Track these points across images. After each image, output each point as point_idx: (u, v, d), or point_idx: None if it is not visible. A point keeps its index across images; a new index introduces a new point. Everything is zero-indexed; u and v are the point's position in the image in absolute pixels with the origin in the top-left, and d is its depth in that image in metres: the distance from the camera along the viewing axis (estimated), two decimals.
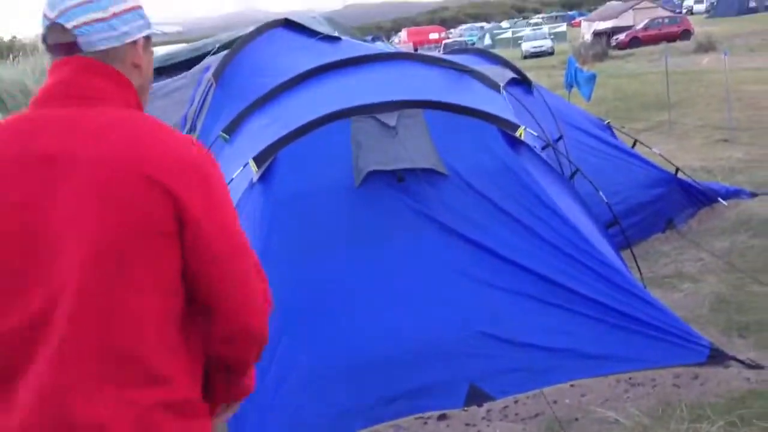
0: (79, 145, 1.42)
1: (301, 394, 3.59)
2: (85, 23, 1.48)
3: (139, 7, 1.58)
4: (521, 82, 6.47)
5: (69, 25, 1.48)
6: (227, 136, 5.06)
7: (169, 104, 6.13)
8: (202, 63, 6.46)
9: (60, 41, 1.50)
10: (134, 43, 1.57)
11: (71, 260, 1.37)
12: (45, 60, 14.35)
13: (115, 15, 1.51)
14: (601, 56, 28.44)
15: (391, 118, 4.31)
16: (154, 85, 6.57)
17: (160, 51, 7.57)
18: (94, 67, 1.50)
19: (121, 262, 1.39)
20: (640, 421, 3.44)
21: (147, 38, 1.62)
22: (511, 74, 6.37)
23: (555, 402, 3.70)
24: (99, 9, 1.49)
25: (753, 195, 6.64)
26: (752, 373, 3.70)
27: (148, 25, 1.61)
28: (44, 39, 1.54)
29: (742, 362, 3.77)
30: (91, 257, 1.38)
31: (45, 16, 1.52)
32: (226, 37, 7.42)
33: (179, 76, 6.59)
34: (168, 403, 1.44)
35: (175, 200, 1.41)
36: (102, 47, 1.51)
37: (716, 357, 3.79)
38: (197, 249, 1.45)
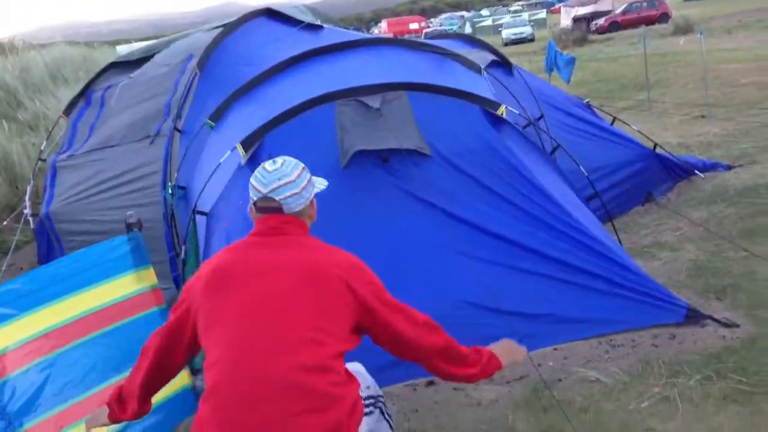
0: (284, 256, 2.29)
1: None
2: (288, 197, 2.33)
3: (311, 179, 2.44)
4: (502, 64, 6.60)
5: (278, 198, 2.32)
6: (213, 123, 5.16)
7: (150, 91, 6.22)
8: (184, 52, 6.54)
9: (270, 206, 2.34)
10: (311, 202, 2.43)
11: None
12: (24, 58, 14.30)
13: (303, 188, 2.37)
14: (581, 41, 28.61)
15: (375, 101, 4.43)
16: (136, 72, 6.67)
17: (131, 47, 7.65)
18: (290, 220, 2.36)
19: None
20: (620, 379, 3.59)
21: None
22: (491, 57, 6.50)
23: (539, 365, 3.84)
24: (296, 187, 2.34)
25: (729, 167, 6.81)
26: (727, 331, 3.86)
27: (313, 187, 2.46)
28: (255, 203, 2.37)
29: (718, 321, 3.92)
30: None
31: (256, 189, 2.35)
32: (207, 28, 7.51)
33: (160, 63, 6.68)
34: None
35: (348, 285, 2.27)
36: (296, 209, 2.36)
37: (693, 317, 3.94)
38: (373, 312, 2.34)
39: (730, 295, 4.29)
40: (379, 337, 2.41)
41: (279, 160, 2.38)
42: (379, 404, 2.62)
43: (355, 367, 2.59)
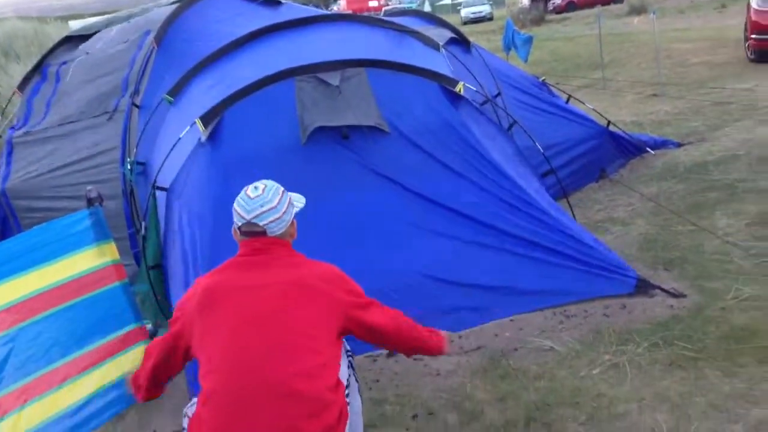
0: (272, 273, 2.44)
1: None
2: (270, 222, 2.47)
3: (290, 200, 2.58)
4: (460, 42, 6.67)
5: (261, 224, 2.46)
6: (171, 99, 5.14)
7: (108, 67, 6.15)
8: (142, 27, 6.46)
9: (254, 230, 2.48)
10: (291, 222, 2.57)
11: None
12: None
13: (284, 212, 2.51)
14: (539, 20, 28.83)
15: (334, 78, 4.46)
16: (93, 48, 6.57)
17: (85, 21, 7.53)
18: (274, 242, 2.50)
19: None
20: (573, 348, 3.73)
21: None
22: (449, 34, 6.55)
23: (496, 335, 3.97)
24: (277, 212, 2.48)
25: (679, 145, 7.01)
26: (675, 301, 4.02)
27: (293, 207, 2.60)
28: (239, 227, 2.50)
29: (666, 291, 4.08)
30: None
31: (240, 215, 2.48)
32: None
33: (118, 39, 6.59)
34: None
35: (333, 296, 2.48)
36: (279, 232, 2.50)
37: (642, 287, 4.10)
38: (356, 318, 2.53)
39: (678, 266, 4.46)
40: (362, 335, 2.60)
41: (260, 185, 2.52)
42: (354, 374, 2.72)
43: None
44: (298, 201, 2.70)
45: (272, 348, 2.29)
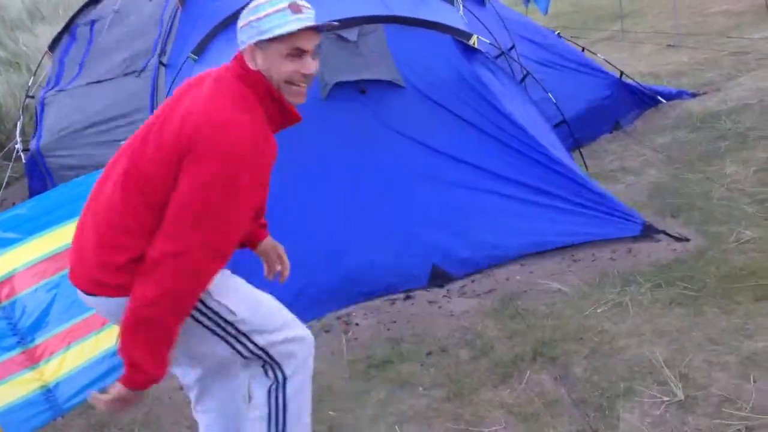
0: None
1: (276, 284, 4.02)
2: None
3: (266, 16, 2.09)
4: None
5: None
6: (196, 57, 5.33)
7: (139, 28, 6.35)
8: None
9: None
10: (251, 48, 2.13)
11: None
12: None
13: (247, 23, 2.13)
14: None
15: (352, 34, 4.63)
16: (122, 6, 6.76)
17: None
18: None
19: None
20: (580, 289, 3.94)
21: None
22: None
23: (507, 279, 4.19)
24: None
25: (694, 95, 7.08)
26: (679, 245, 4.20)
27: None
28: None
29: (670, 236, 4.26)
30: None
31: None
32: None
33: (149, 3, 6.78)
34: None
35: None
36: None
37: (648, 231, 4.28)
38: None
39: (685, 213, 4.62)
40: None
41: None
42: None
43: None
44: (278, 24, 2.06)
45: None
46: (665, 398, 2.93)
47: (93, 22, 6.77)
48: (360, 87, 4.46)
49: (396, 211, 4.29)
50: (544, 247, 4.30)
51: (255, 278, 2.67)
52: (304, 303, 4.06)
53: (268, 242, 2.87)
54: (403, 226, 4.31)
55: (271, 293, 3.98)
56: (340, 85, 4.44)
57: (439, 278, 4.22)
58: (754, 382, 2.92)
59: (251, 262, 3.01)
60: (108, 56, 6.28)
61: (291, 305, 4.00)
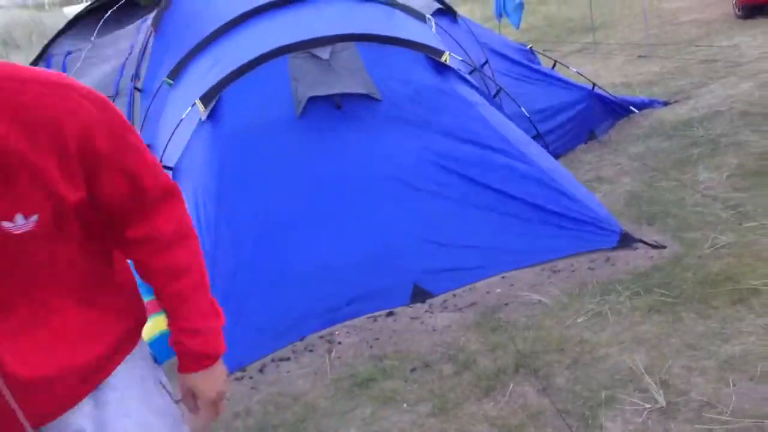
0: None
1: (260, 305, 4.03)
2: None
3: None
4: (446, 12, 6.84)
5: None
6: (171, 81, 5.34)
7: (110, 52, 6.35)
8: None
9: None
10: None
11: None
12: None
13: None
14: None
15: (324, 53, 4.65)
16: (97, 36, 6.76)
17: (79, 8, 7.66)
18: None
19: None
20: (560, 300, 3.97)
21: None
22: (436, 5, 6.73)
23: (488, 292, 4.21)
24: None
25: (665, 104, 7.20)
26: (656, 252, 4.24)
27: None
28: None
29: (647, 243, 4.31)
30: None
31: None
32: None
33: (122, 31, 6.78)
34: None
35: None
36: None
37: (625, 240, 4.32)
38: None
39: (660, 220, 4.68)
40: None
41: None
42: None
43: None
44: None
45: None
46: (647, 405, 2.96)
47: (69, 53, 6.75)
48: (336, 102, 4.47)
49: (376, 229, 4.31)
50: (525, 264, 4.33)
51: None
52: (287, 323, 4.07)
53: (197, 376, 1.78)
54: (384, 244, 4.32)
55: (259, 313, 4.01)
56: (314, 101, 4.45)
57: (419, 296, 4.24)
58: (733, 385, 2.96)
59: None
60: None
61: (274, 325, 4.04)
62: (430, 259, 4.32)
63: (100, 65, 6.28)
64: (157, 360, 2.18)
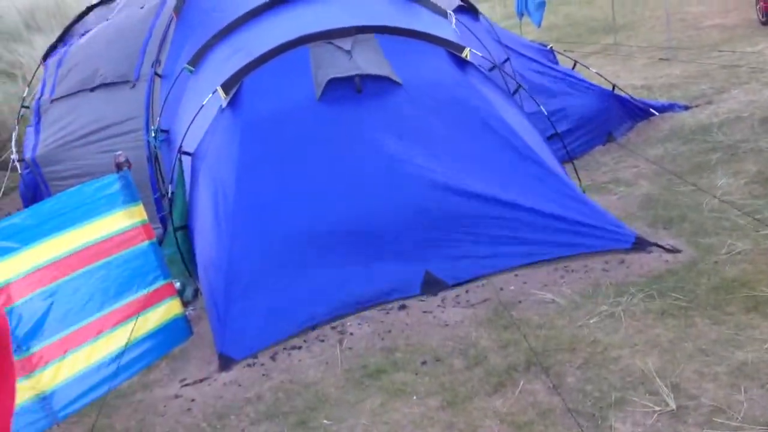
0: None
1: (275, 290, 4.05)
2: None
3: None
4: (468, 9, 6.82)
5: None
6: (192, 68, 5.37)
7: (127, 32, 6.38)
8: None
9: None
10: None
11: None
12: None
13: None
14: None
15: (346, 43, 4.67)
16: (113, 14, 6.78)
17: None
18: None
19: None
20: (573, 300, 3.96)
21: None
22: (457, 2, 6.71)
23: (501, 289, 4.22)
24: None
25: (686, 108, 7.15)
26: (670, 256, 4.23)
27: None
28: None
29: (662, 247, 4.29)
30: None
31: None
32: None
33: (137, 4, 6.80)
34: None
35: None
36: None
37: (640, 244, 4.31)
38: None
39: (677, 224, 4.66)
40: None
41: None
42: None
43: None
44: None
45: None
46: (657, 408, 2.96)
47: (85, 32, 6.81)
48: (356, 86, 4.46)
49: (390, 215, 4.31)
50: (538, 258, 4.32)
51: None
52: (300, 310, 4.09)
53: None
54: (397, 231, 4.32)
55: (267, 301, 4.03)
56: (334, 87, 4.45)
57: (431, 285, 4.24)
58: (745, 392, 2.95)
59: None
60: (94, 60, 6.27)
61: (286, 312, 4.07)
62: (443, 248, 4.32)
63: (115, 43, 6.30)
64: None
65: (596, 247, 4.31)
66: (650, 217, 4.87)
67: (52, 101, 6.24)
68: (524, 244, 4.31)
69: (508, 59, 6.31)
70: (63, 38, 7.04)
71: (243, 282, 3.99)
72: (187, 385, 3.88)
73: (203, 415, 3.57)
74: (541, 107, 5.34)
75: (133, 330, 3.93)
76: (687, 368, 3.19)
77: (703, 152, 5.90)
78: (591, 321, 3.73)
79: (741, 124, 6.31)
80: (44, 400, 3.59)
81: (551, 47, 7.32)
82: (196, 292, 4.77)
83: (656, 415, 2.93)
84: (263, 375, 3.79)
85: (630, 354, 3.38)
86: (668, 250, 4.28)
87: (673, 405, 2.94)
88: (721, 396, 2.96)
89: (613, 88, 6.76)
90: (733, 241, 4.22)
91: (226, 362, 3.90)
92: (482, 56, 5.25)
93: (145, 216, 4.10)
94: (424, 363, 3.66)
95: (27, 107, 6.90)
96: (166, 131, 5.39)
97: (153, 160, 5.43)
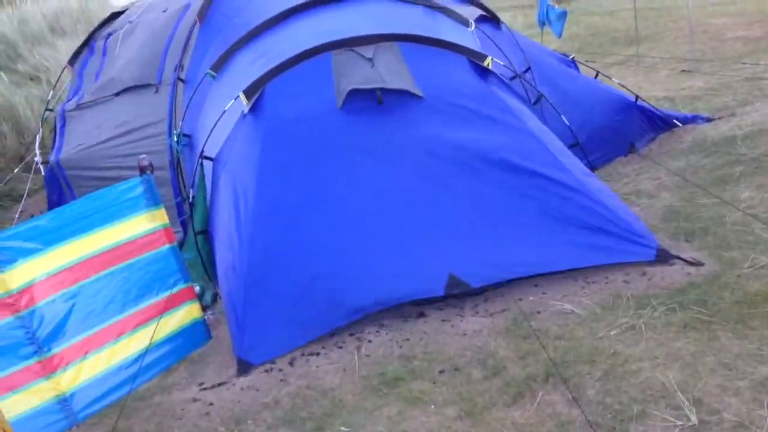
0: None
1: (294, 295, 4.06)
2: None
3: None
4: (490, 19, 6.82)
5: None
6: (215, 74, 5.41)
7: (149, 36, 6.45)
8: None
9: None
10: None
11: None
12: (22, 10, 14.30)
13: None
14: None
15: (368, 51, 4.68)
16: (135, 18, 6.86)
17: None
18: None
19: None
20: (593, 311, 3.94)
21: None
22: (479, 12, 6.72)
23: (520, 299, 4.19)
24: None
25: (709, 120, 7.09)
26: (693, 269, 4.19)
27: None
28: None
29: (684, 260, 4.25)
30: None
31: None
32: None
33: (159, 7, 6.87)
34: None
35: None
36: None
37: (662, 256, 4.28)
38: None
39: (699, 237, 4.62)
40: None
41: None
42: None
43: None
44: None
45: None
46: (678, 422, 2.93)
47: (109, 36, 6.89)
48: (378, 97, 4.47)
49: (413, 221, 4.30)
50: (558, 267, 4.29)
51: None
52: (320, 312, 4.09)
53: None
54: (421, 236, 4.30)
55: (291, 304, 4.03)
56: (356, 97, 4.47)
57: (455, 287, 4.19)
58: None
59: None
60: (117, 65, 6.36)
61: (303, 320, 4.07)
62: (466, 254, 4.27)
63: (137, 47, 6.37)
64: None
65: (619, 259, 4.28)
66: (672, 230, 4.83)
67: (77, 106, 6.31)
68: (546, 252, 4.27)
69: (529, 68, 6.30)
70: (88, 42, 7.13)
71: (262, 287, 4.00)
72: (205, 389, 3.90)
73: (221, 420, 3.58)
74: (563, 117, 5.32)
75: (153, 333, 3.95)
76: (709, 382, 3.15)
77: (726, 165, 5.85)
78: (611, 333, 3.70)
79: (764, 136, 6.24)
80: (64, 401, 3.61)
81: (573, 57, 7.29)
82: (215, 297, 4.80)
83: (677, 429, 2.90)
84: (281, 380, 3.80)
85: (651, 367, 3.35)
86: (690, 263, 4.24)
87: (694, 419, 2.91)
88: (743, 411, 2.93)
89: (636, 99, 6.72)
90: (757, 255, 4.18)
91: (244, 367, 3.91)
92: (504, 65, 5.24)
93: (166, 219, 4.12)
94: (442, 372, 3.65)
95: (51, 110, 6.98)
96: (188, 136, 5.43)
97: (175, 164, 5.47)
